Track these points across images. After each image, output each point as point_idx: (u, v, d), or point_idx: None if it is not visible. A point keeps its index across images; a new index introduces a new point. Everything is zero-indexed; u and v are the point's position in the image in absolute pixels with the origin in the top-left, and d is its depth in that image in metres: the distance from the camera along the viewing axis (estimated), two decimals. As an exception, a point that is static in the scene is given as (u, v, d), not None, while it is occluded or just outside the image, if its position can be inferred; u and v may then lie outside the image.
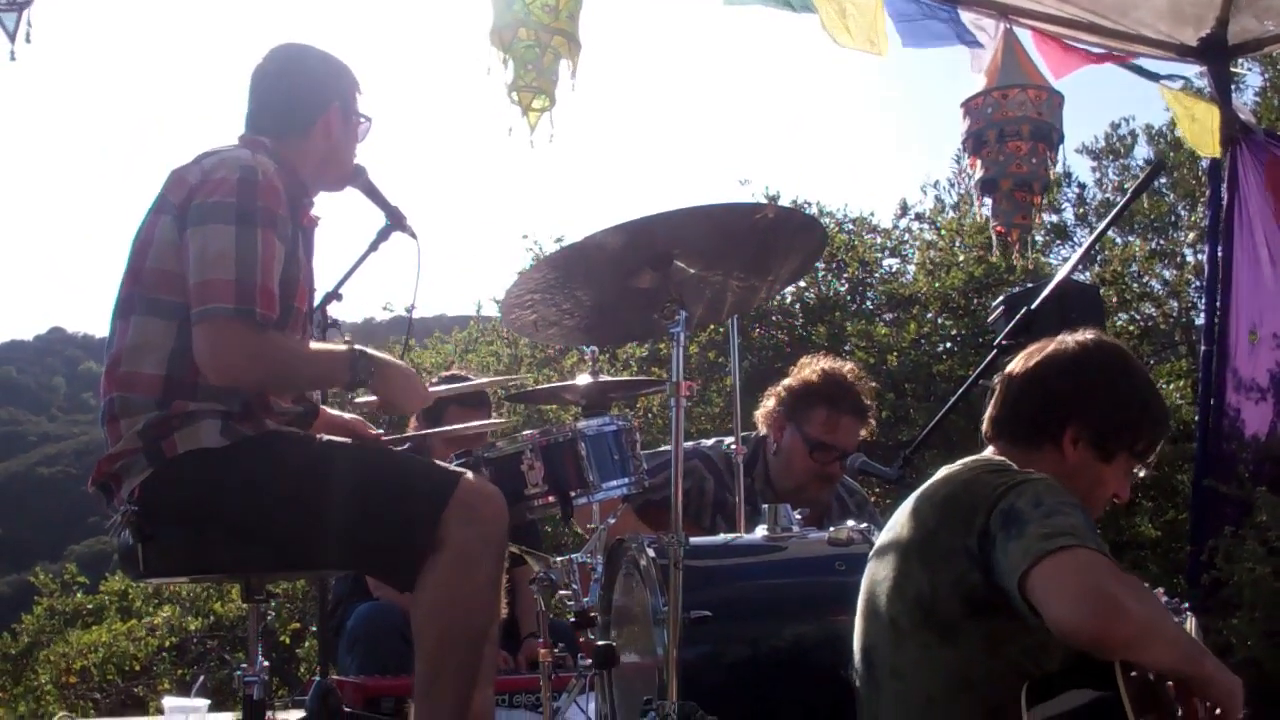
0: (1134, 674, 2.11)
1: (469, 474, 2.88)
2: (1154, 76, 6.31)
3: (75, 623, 10.51)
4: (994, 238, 6.48)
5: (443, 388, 3.94)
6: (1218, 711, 2.20)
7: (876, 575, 2.54)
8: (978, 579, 2.27)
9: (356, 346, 2.95)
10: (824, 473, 4.18)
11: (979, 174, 6.09)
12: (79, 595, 10.93)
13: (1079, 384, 2.54)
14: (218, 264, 2.74)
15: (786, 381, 4.29)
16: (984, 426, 2.65)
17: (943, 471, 2.54)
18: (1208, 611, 5.26)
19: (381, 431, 3.42)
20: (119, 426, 2.81)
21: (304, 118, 3.10)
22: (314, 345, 3.01)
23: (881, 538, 2.62)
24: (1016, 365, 2.65)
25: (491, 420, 4.38)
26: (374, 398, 3.04)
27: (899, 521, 2.55)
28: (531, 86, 4.47)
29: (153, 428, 2.77)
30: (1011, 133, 5.83)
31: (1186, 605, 2.74)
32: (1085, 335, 2.62)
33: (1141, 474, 2.60)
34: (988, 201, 6.17)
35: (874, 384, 4.66)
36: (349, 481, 2.78)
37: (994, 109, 5.85)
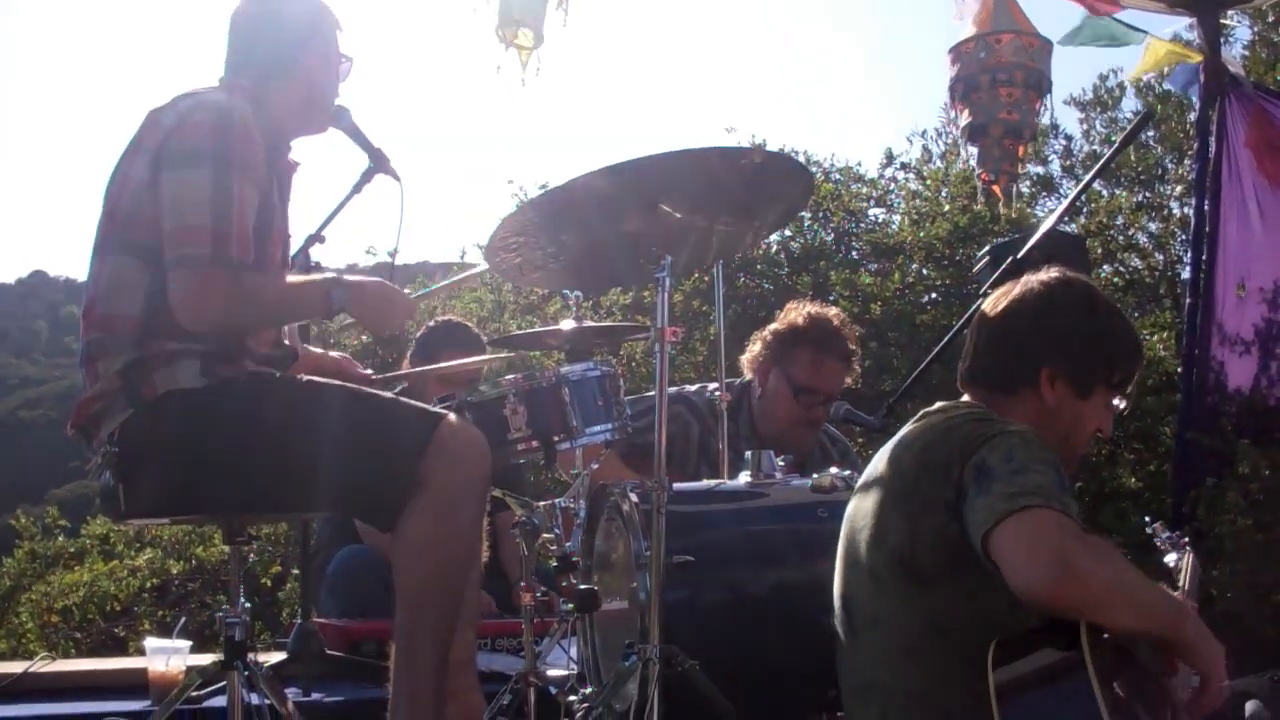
0: (1107, 635, 2.10)
1: (451, 415, 2.86)
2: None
3: (57, 565, 10.48)
4: (979, 185, 6.41)
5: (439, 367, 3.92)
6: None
7: (856, 522, 2.53)
8: (956, 531, 2.27)
9: (331, 274, 2.93)
10: (807, 417, 4.19)
11: (966, 120, 6.03)
12: (60, 539, 10.89)
13: (1050, 323, 2.54)
14: (194, 209, 2.71)
15: (773, 325, 4.29)
16: (959, 374, 2.64)
17: (920, 418, 2.52)
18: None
19: (370, 372, 3.41)
20: (97, 368, 2.80)
21: (285, 60, 3.05)
22: (290, 279, 2.98)
23: (860, 482, 2.61)
24: (985, 310, 2.64)
25: (485, 356, 4.35)
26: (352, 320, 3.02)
27: (878, 467, 2.54)
28: (519, 22, 4.42)
29: (132, 369, 2.75)
30: (1004, 79, 5.78)
31: (1186, 540, 2.74)
32: (1050, 274, 2.60)
33: (1121, 405, 2.59)
34: (973, 149, 6.11)
35: (859, 331, 4.66)
36: (329, 421, 2.76)
37: (987, 53, 5.79)
